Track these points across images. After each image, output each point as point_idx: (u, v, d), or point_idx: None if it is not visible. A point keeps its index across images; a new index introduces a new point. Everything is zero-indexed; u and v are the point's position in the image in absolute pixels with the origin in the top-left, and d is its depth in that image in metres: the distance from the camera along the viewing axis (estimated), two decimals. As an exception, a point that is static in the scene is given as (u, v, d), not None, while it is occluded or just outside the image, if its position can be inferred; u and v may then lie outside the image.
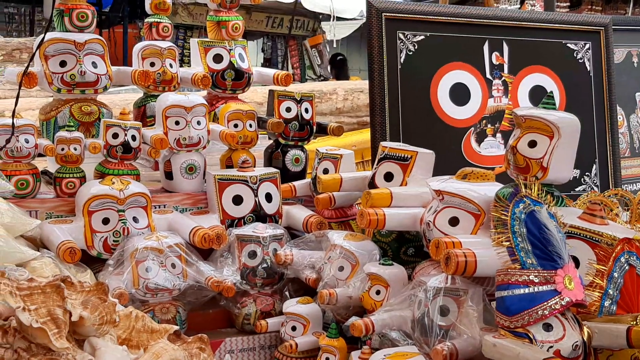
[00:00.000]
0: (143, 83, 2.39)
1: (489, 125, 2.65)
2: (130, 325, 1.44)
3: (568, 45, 2.76)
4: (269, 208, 2.24)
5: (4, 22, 11.13)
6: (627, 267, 1.57)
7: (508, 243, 1.50)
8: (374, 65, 2.45)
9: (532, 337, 1.43)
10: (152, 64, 2.48)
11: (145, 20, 2.59)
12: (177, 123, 2.23)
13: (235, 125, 2.38)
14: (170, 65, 2.50)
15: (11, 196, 2.02)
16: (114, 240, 2.02)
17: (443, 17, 2.58)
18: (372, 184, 2.07)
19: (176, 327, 1.49)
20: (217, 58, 2.54)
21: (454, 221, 1.77)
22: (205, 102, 2.31)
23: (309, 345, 1.92)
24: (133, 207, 2.07)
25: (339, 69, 7.98)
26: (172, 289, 1.96)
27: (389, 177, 2.05)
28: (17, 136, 2.08)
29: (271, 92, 2.47)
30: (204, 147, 2.30)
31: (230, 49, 2.55)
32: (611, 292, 1.56)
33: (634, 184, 3.16)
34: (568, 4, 8.56)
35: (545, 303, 1.44)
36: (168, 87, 2.50)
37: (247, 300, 2.09)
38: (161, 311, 1.96)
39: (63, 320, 1.29)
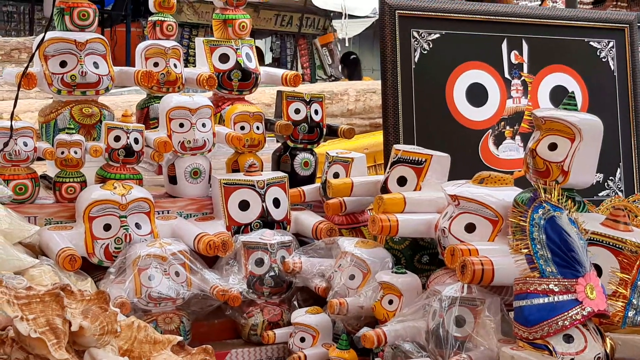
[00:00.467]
0: (146, 84, 2.41)
1: (507, 127, 2.64)
2: (132, 335, 1.45)
3: (591, 43, 2.76)
4: (277, 214, 2.25)
5: (2, 20, 11.22)
6: (652, 276, 1.57)
7: (527, 250, 1.50)
8: (387, 64, 2.45)
9: (552, 349, 1.43)
10: (156, 64, 2.50)
11: (149, 18, 2.60)
12: (181, 125, 2.24)
13: (242, 128, 2.39)
14: (175, 66, 2.52)
15: (9, 201, 2.04)
16: (115, 247, 2.03)
17: (459, 15, 2.58)
18: (384, 189, 2.07)
19: (180, 338, 1.50)
20: (224, 58, 2.55)
21: (470, 227, 1.77)
22: (211, 104, 2.32)
23: (318, 358, 1.93)
24: (135, 212, 2.08)
25: (352, 69, 7.96)
26: (175, 298, 1.97)
27: (402, 181, 2.05)
28: (15, 139, 2.10)
29: (279, 93, 2.48)
30: (209, 151, 2.31)
31: (237, 49, 2.56)
32: (635, 302, 1.55)
33: (661, 189, 3.14)
34: (591, 0, 8.53)
35: (566, 313, 1.43)
36: (172, 88, 2.52)
37: (254, 310, 2.09)
38: (164, 321, 1.97)
39: (62, 330, 1.30)
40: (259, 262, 2.10)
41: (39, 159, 2.18)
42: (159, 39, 2.55)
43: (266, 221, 2.22)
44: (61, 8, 2.31)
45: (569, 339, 1.44)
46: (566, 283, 1.46)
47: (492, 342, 1.58)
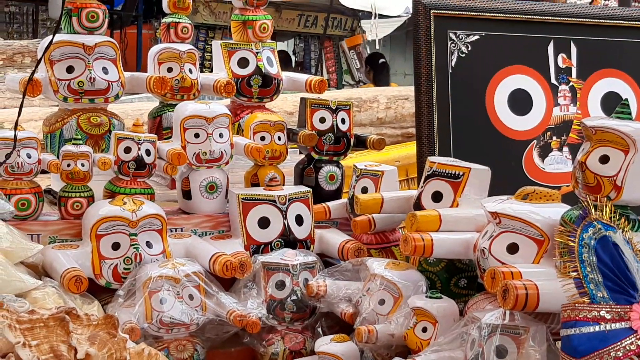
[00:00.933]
0: (159, 91, 2.44)
1: (554, 138, 2.63)
2: (142, 363, 1.46)
3: (647, 45, 2.74)
4: (300, 232, 2.25)
5: (4, 22, 11.38)
6: None
7: (575, 274, 1.49)
8: (421, 69, 2.45)
9: (604, 384, 1.42)
10: (170, 70, 2.53)
11: (162, 20, 2.64)
12: (196, 136, 2.26)
13: (262, 138, 2.40)
14: (190, 71, 2.55)
15: (11, 218, 2.07)
16: (124, 268, 2.05)
17: (501, 14, 2.58)
18: (417, 205, 2.07)
19: (194, 367, 1.51)
20: (243, 62, 2.57)
21: (512, 248, 1.76)
22: (229, 112, 2.34)
23: (345, 390, 1.93)
24: (146, 230, 2.10)
25: (379, 72, 7.91)
26: (189, 323, 1.98)
27: (437, 197, 2.05)
28: (18, 150, 2.13)
29: (303, 100, 2.49)
30: (227, 163, 2.32)
31: (258, 52, 2.58)
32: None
33: None
34: (647, -3, 8.45)
35: (619, 343, 1.42)
36: (187, 95, 2.54)
37: (274, 337, 2.10)
38: (177, 349, 1.98)
39: (67, 357, 1.32)
40: (280, 285, 2.11)
41: (43, 172, 2.21)
42: (173, 41, 2.58)
43: (288, 240, 2.23)
44: (68, 9, 2.34)
45: (622, 372, 1.42)
46: (619, 310, 1.45)
47: (537, 375, 1.57)
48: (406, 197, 2.18)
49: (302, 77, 2.67)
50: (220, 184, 2.32)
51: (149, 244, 2.10)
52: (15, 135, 2.13)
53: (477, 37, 2.55)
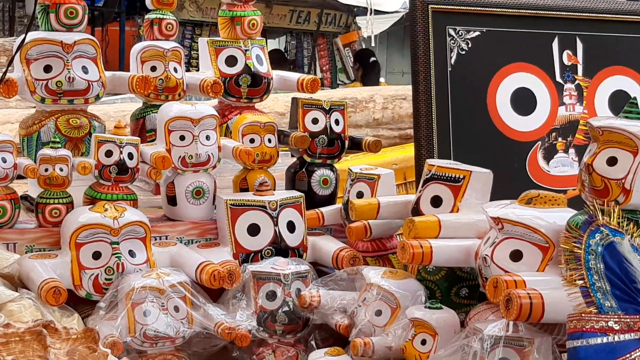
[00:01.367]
0: (142, 91, 2.43)
1: (559, 139, 2.63)
2: (125, 379, 1.46)
3: (656, 41, 2.75)
4: (292, 239, 2.25)
5: (-21, 20, 11.36)
6: None
7: (582, 282, 1.49)
8: (419, 67, 2.45)
9: (612, 398, 1.42)
10: (154, 69, 2.53)
11: (146, 16, 2.64)
12: (182, 138, 2.26)
13: (252, 141, 2.40)
14: (175, 70, 2.55)
15: (-14, 225, 2.07)
16: (106, 279, 2.05)
17: (502, 9, 2.59)
18: (416, 210, 2.07)
19: (179, 383, 1.50)
20: (231, 60, 2.57)
21: (516, 255, 1.76)
22: (216, 113, 2.34)
23: (339, 407, 1.92)
24: (129, 238, 2.09)
25: (368, 71, 7.89)
26: (175, 337, 1.98)
27: (436, 201, 2.05)
28: (-7, 154, 2.12)
29: (295, 100, 2.49)
30: (214, 167, 2.32)
31: (246, 50, 2.58)
32: None
33: None
34: (658, -9, 8.48)
35: (628, 355, 1.42)
36: (172, 95, 2.54)
37: (265, 350, 2.09)
38: (162, 364, 1.98)
39: (45, 372, 1.31)
40: (271, 296, 2.11)
41: (20, 177, 2.20)
42: (157, 39, 2.58)
43: (279, 248, 2.23)
44: (45, 5, 2.34)
45: (632, 385, 1.42)
46: (628, 320, 1.45)
47: (543, 389, 1.57)
48: (404, 202, 2.19)
49: (294, 76, 2.67)
50: (207, 189, 2.31)
51: (131, 253, 2.09)
52: (-11, 139, 2.12)
53: (477, 33, 2.55)
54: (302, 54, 10.60)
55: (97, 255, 2.06)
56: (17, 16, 10.41)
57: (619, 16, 2.72)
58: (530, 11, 2.62)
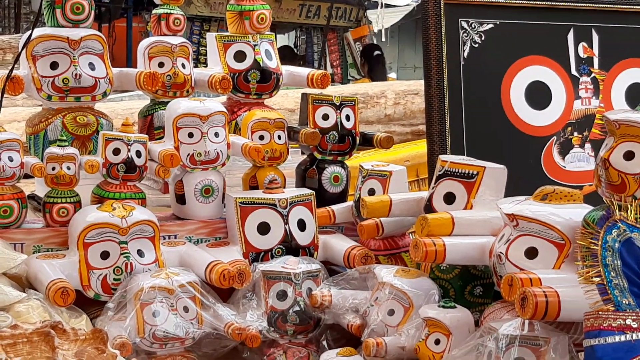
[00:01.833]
0: (150, 87, 2.44)
1: (575, 134, 2.63)
2: (134, 381, 1.46)
3: (675, 32, 2.74)
4: (302, 238, 2.25)
5: (-16, 17, 11.40)
6: None
7: (599, 279, 1.49)
8: (431, 61, 2.45)
9: (631, 398, 1.41)
10: (161, 65, 2.53)
11: (153, 11, 2.64)
12: (190, 135, 2.27)
13: (261, 137, 2.40)
14: (183, 66, 2.55)
15: (-8, 225, 2.07)
16: (114, 279, 2.06)
17: (516, 1, 2.58)
18: (429, 208, 2.07)
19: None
20: (239, 56, 2.57)
21: (531, 253, 1.76)
22: (225, 110, 2.34)
23: (352, 408, 1.93)
24: (138, 238, 2.10)
25: (373, 65, 7.87)
26: (184, 337, 1.98)
27: (450, 198, 2.05)
28: (-1, 153, 2.13)
29: (305, 96, 2.49)
30: (223, 165, 2.33)
31: (255, 45, 2.58)
32: None
33: None
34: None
35: (647, 354, 1.42)
36: (180, 91, 2.55)
37: (276, 351, 2.10)
38: (171, 365, 1.99)
39: (53, 374, 1.32)
40: (282, 295, 2.11)
41: (27, 176, 2.21)
42: (165, 34, 2.58)
43: (289, 247, 2.23)
44: (51, 0, 2.34)
45: (651, 385, 1.42)
46: (647, 318, 1.44)
47: (559, 389, 1.57)
48: (416, 199, 2.18)
49: (304, 71, 2.67)
50: (217, 187, 2.32)
51: (140, 253, 2.10)
52: (-5, 137, 2.13)
53: (491, 25, 2.54)
54: (312, 49, 10.59)
55: (105, 255, 2.06)
56: (23, 13, 10.44)
57: (636, 7, 2.71)
58: (545, 2, 2.61)
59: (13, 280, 2.01)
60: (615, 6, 2.70)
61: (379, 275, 2.04)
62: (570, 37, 2.65)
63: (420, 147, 3.51)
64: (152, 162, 2.26)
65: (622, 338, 1.44)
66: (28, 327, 1.37)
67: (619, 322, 1.45)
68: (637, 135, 1.72)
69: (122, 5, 9.40)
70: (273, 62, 2.61)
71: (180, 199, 2.33)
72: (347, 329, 2.07)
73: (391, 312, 1.96)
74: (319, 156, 2.47)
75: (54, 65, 2.32)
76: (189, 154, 2.26)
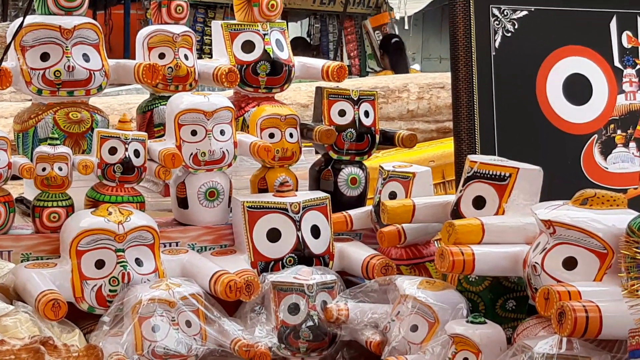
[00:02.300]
0: (150, 80, 2.44)
1: (618, 131, 2.62)
2: (131, 402, 1.47)
3: None
4: (316, 246, 2.25)
5: (-31, 4, 11.46)
6: None
7: (645, 293, 1.48)
8: (459, 51, 2.45)
9: None
10: (162, 56, 2.54)
11: (153, -3, 2.65)
12: (194, 133, 2.27)
13: (271, 135, 2.41)
14: (186, 57, 2.56)
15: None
16: (110, 290, 2.06)
17: (553, -15, 2.58)
18: (456, 213, 2.07)
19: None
20: (248, 46, 2.58)
21: (570, 263, 1.75)
22: (232, 105, 2.34)
23: None
24: (136, 245, 2.10)
25: (393, 55, 7.86)
26: (186, 355, 1.98)
27: (479, 202, 2.04)
28: (-15, 152, 2.14)
29: (319, 90, 2.49)
30: (229, 165, 2.33)
31: (265, 34, 2.59)
32: None
33: None
34: None
35: (699, 376, 1.41)
36: (182, 85, 2.55)
37: (288, 371, 2.10)
38: (173, 385, 1.99)
39: (43, 394, 1.32)
40: (294, 309, 2.11)
41: (15, 177, 2.22)
42: (166, 23, 2.59)
43: (302, 255, 2.23)
44: (42, -14, 2.36)
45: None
46: (699, 336, 1.43)
47: (601, 414, 1.56)
48: (442, 203, 2.18)
49: (318, 62, 2.67)
50: (222, 190, 2.32)
51: (138, 262, 2.10)
52: (-19, 135, 2.14)
53: (525, 12, 2.54)
54: (327, 39, 10.58)
55: (100, 264, 2.07)
56: (11, 0, 10.49)
57: (686, -8, 2.70)
58: (584, -13, 2.61)
59: (-1, 291, 2.02)
60: (663, -10, 2.69)
61: (401, 287, 2.03)
62: (613, 25, 2.65)
63: (446, 146, 3.51)
64: (152, 162, 2.27)
65: (671, 358, 1.43)
66: (16, 343, 1.37)
67: (667, 340, 1.44)
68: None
69: (119, -9, 9.44)
70: (284, 53, 2.62)
71: (183, 202, 2.33)
72: (366, 346, 2.06)
73: (414, 328, 1.96)
74: (334, 156, 2.47)
75: (44, 57, 2.33)
76: (192, 154, 2.27)
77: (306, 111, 3.62)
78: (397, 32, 9.62)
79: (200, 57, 2.65)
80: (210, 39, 2.70)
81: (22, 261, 2.14)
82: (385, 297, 2.10)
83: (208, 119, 2.27)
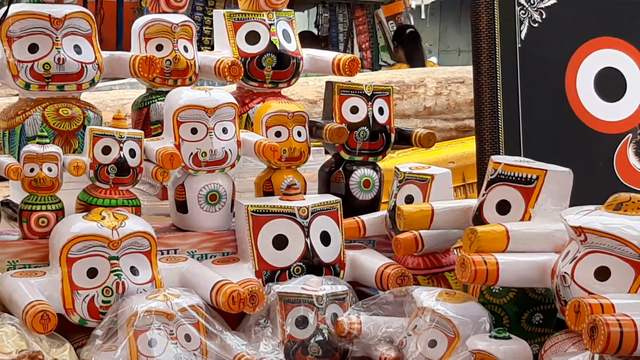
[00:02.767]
0: (146, 74, 2.45)
1: (654, 131, 2.62)
2: (127, 423, 1.47)
3: None
4: (326, 254, 2.25)
5: (-49, -9, 11.52)
6: None
7: (685, 306, 1.48)
8: (482, 43, 2.45)
9: None
10: (160, 47, 2.54)
11: (149, -16, 2.65)
12: (194, 131, 2.27)
13: (278, 134, 2.41)
14: (185, 49, 2.56)
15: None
16: (103, 301, 2.06)
17: (583, -28, 2.58)
18: (478, 218, 2.07)
19: None
20: (252, 37, 2.58)
21: (602, 273, 1.75)
22: (235, 101, 2.35)
23: None
24: (131, 252, 2.11)
25: (408, 47, 7.85)
26: (186, 371, 1.99)
27: (504, 207, 2.04)
28: (-31, 152, 2.16)
29: (330, 85, 2.50)
30: (232, 166, 2.33)
31: (271, 24, 2.59)
32: None
33: None
34: None
35: None
36: (182, 79, 2.55)
37: (295, 389, 2.10)
38: (171, 404, 1.99)
39: (32, 414, 1.32)
40: (302, 322, 2.11)
41: (0, 178, 2.23)
42: (164, 12, 2.59)
43: (311, 264, 2.23)
44: (31, -28, 2.37)
45: None
46: None
47: None
48: (463, 208, 2.18)
49: (328, 55, 2.67)
50: (224, 193, 2.32)
51: (134, 270, 2.11)
52: (-36, 133, 2.15)
53: (553, 1, 2.54)
54: (336, 29, 10.58)
55: (92, 273, 2.07)
56: (-4, -13, 10.54)
57: None
58: (618, -27, 2.61)
59: (-16, 302, 2.02)
60: None
61: (418, 299, 2.03)
62: (649, 15, 2.65)
63: (467, 146, 3.51)
64: (149, 162, 2.27)
65: None
66: (2, 357, 1.37)
67: None
68: None
69: (112, -22, 9.46)
70: (292, 45, 2.62)
71: (182, 206, 2.33)
72: (380, 363, 2.07)
73: (433, 344, 1.96)
74: (346, 156, 2.47)
75: (33, 48, 2.34)
76: (192, 154, 2.27)
77: (315, 108, 3.63)
78: (412, 22, 9.62)
79: (200, 49, 2.65)
80: (210, 30, 2.71)
81: (8, 269, 2.14)
82: (401, 310, 2.10)
83: (209, 116, 2.27)
